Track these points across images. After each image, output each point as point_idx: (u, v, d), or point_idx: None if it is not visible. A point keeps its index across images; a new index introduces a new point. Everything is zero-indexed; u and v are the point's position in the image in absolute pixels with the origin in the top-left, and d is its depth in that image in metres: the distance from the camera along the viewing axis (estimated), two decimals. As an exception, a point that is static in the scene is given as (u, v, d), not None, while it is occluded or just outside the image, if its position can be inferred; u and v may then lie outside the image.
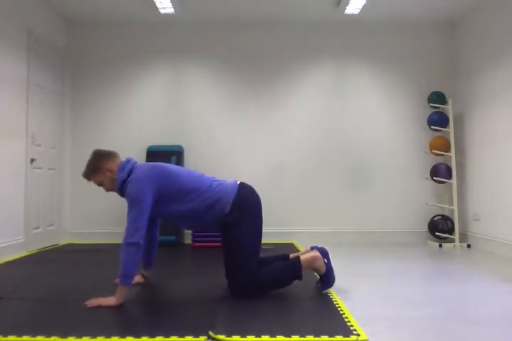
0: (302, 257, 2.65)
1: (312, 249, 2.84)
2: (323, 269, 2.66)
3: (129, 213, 2.49)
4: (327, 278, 2.66)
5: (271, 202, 5.11)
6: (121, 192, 2.65)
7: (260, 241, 2.68)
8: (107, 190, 2.73)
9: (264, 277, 2.58)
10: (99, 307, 2.35)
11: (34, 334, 1.89)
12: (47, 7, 4.86)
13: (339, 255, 4.13)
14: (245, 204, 2.63)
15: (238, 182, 2.73)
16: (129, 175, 2.61)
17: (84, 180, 2.73)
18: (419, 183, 5.29)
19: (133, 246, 2.42)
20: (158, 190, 2.55)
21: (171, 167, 2.68)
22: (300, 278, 2.61)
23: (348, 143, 5.32)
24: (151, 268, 3.00)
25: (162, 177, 2.58)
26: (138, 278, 2.89)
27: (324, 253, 2.69)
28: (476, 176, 4.86)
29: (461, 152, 5.14)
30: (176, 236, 4.82)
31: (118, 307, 2.35)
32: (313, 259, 2.65)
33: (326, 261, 2.66)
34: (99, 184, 2.70)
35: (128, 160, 2.69)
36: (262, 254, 2.80)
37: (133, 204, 2.49)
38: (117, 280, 2.87)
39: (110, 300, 2.40)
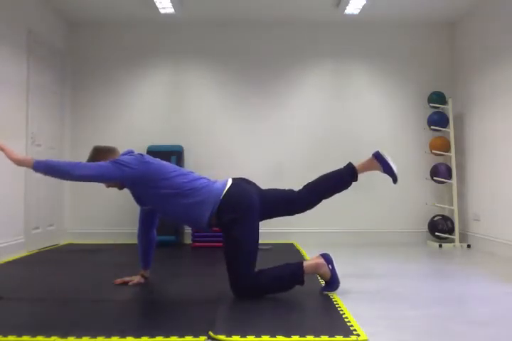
0: (305, 263, 2.62)
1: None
2: (328, 275, 2.63)
3: (104, 163, 2.54)
4: (331, 284, 2.65)
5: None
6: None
7: (258, 240, 2.66)
8: (108, 185, 2.76)
9: (264, 280, 2.56)
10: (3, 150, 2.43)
11: (34, 334, 1.89)
12: (47, 7, 4.86)
13: (339, 255, 4.11)
14: (238, 205, 2.57)
15: (230, 183, 2.66)
16: None
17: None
18: (419, 183, 5.28)
19: (72, 169, 2.45)
20: (145, 176, 2.57)
21: (168, 165, 2.69)
22: (302, 283, 2.59)
23: (348, 143, 5.31)
24: (150, 268, 3.00)
25: (154, 169, 2.60)
26: (138, 279, 2.89)
27: (328, 259, 2.66)
28: (476, 176, 4.85)
29: (461, 152, 5.14)
30: (175, 236, 4.82)
31: (119, 307, 2.35)
32: (318, 266, 2.62)
33: (330, 268, 2.63)
34: None
35: (129, 151, 2.76)
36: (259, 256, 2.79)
37: (115, 162, 2.54)
38: (118, 280, 2.88)
39: (14, 154, 2.44)
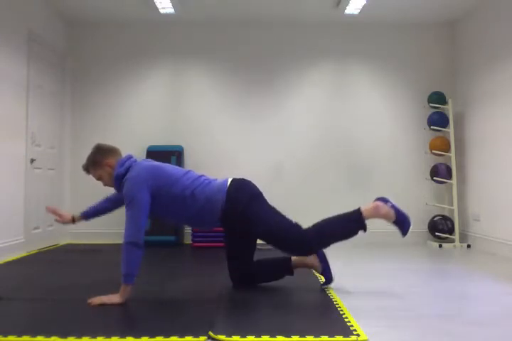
0: (363, 208, 2.77)
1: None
2: (393, 215, 2.77)
3: (127, 212, 2.49)
4: (402, 222, 2.76)
5: (271, 202, 5.10)
6: (118, 187, 2.66)
7: (280, 212, 2.74)
8: (105, 184, 2.76)
9: (326, 229, 2.67)
10: (103, 305, 2.35)
11: (34, 334, 1.89)
12: (47, 7, 4.86)
13: (339, 255, 4.12)
14: (244, 195, 2.66)
15: (231, 179, 2.73)
16: (126, 172, 2.61)
17: (84, 180, 2.76)
18: (419, 183, 5.29)
19: (134, 246, 2.42)
20: (153, 189, 2.56)
21: (168, 168, 2.68)
22: (364, 228, 2.75)
23: (348, 143, 5.32)
24: (86, 220, 3.00)
25: (158, 177, 2.59)
26: (67, 218, 2.89)
27: (384, 199, 2.82)
28: (476, 176, 4.86)
29: (461, 152, 5.14)
30: (175, 236, 4.81)
31: (119, 306, 2.35)
32: (378, 207, 2.79)
33: (390, 205, 2.78)
34: (98, 178, 2.73)
35: (128, 157, 2.71)
36: (259, 256, 2.80)
37: (131, 203, 2.50)
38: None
39: (114, 298, 2.40)
